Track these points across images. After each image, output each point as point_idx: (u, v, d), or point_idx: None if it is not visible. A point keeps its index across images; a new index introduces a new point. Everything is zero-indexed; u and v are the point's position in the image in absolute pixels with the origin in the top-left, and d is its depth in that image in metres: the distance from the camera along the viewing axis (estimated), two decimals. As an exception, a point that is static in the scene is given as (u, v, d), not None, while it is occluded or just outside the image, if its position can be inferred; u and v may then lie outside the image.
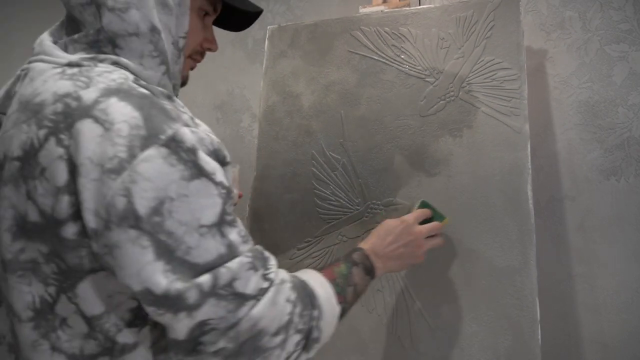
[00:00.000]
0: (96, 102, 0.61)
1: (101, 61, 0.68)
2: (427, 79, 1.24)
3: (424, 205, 1.08)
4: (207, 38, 0.84)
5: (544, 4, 1.34)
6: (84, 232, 0.60)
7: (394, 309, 1.19)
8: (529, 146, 1.12)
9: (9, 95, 0.72)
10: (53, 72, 0.67)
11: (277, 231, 1.34)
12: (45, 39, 0.73)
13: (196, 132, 0.63)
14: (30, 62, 0.72)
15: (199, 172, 0.61)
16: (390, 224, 0.99)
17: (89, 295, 0.63)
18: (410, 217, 1.01)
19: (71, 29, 0.73)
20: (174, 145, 0.60)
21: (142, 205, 0.58)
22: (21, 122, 0.64)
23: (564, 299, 1.31)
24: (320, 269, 0.83)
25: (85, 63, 0.67)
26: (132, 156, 0.58)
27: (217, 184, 0.63)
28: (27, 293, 0.63)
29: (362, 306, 1.22)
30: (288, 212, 1.34)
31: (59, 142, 0.60)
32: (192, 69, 0.86)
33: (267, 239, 1.34)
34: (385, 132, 1.26)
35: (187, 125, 0.63)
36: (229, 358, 0.64)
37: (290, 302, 0.68)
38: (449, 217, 1.12)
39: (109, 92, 0.62)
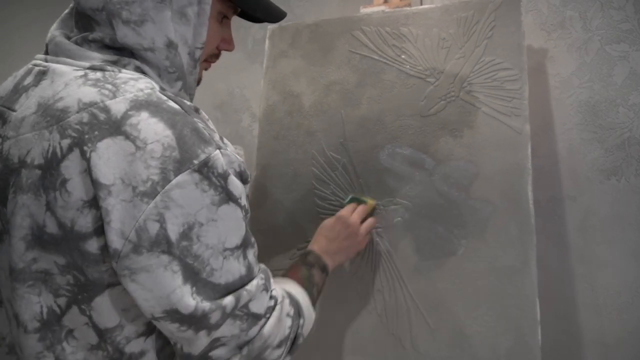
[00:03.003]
0: (126, 115, 0.59)
1: (124, 66, 0.67)
2: (427, 79, 1.24)
3: (351, 200, 1.22)
4: (225, 38, 0.83)
5: (544, 4, 1.34)
6: (106, 247, 0.60)
7: (394, 309, 1.20)
8: (529, 146, 1.12)
9: (17, 90, 0.69)
10: (75, 75, 0.65)
11: (277, 231, 1.34)
12: (58, 36, 0.71)
13: (227, 154, 0.64)
14: (47, 61, 0.69)
15: (228, 197, 0.62)
16: (329, 222, 1.07)
17: (104, 309, 0.64)
18: (343, 212, 1.10)
19: (82, 25, 0.71)
20: (206, 170, 0.60)
21: (174, 232, 0.59)
22: (42, 127, 0.62)
23: (565, 299, 1.31)
24: (285, 276, 0.89)
25: (108, 67, 0.66)
26: (166, 180, 0.58)
27: (242, 207, 0.65)
28: (35, 303, 0.63)
29: (361, 307, 1.23)
30: (288, 212, 1.34)
31: (84, 155, 0.58)
32: (206, 69, 0.86)
33: (267, 239, 1.34)
34: (386, 132, 1.26)
35: (218, 147, 0.63)
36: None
37: (290, 316, 0.73)
38: (375, 201, 1.23)
39: (139, 105, 0.60)
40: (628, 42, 1.25)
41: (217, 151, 0.62)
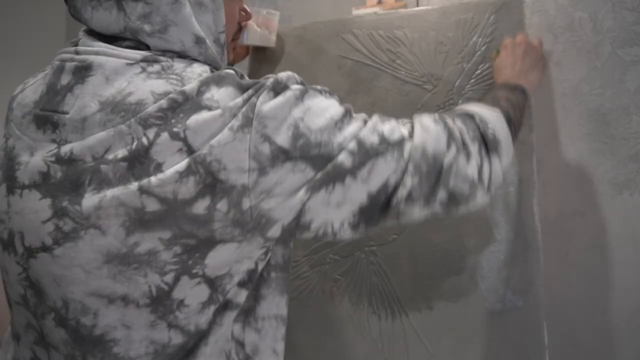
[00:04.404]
0: (200, 92, 0.65)
1: (172, 57, 0.72)
2: (424, 86, 1.23)
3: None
4: (241, 9, 0.88)
5: (551, 4, 1.32)
6: (212, 205, 0.64)
7: (390, 334, 1.18)
8: (534, 158, 1.11)
9: (56, 90, 0.70)
10: (134, 71, 0.68)
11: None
12: (89, 35, 0.74)
13: (285, 73, 0.70)
14: (78, 53, 0.71)
15: (304, 89, 0.69)
16: (500, 57, 1.08)
17: (217, 261, 0.68)
18: (505, 42, 1.10)
19: (111, 39, 0.74)
20: (277, 85, 0.67)
21: (284, 140, 0.65)
22: (117, 123, 0.64)
23: (574, 323, 1.29)
24: None
25: (161, 59, 0.70)
26: (252, 105, 0.64)
27: (319, 90, 0.71)
28: (143, 284, 0.66)
29: (355, 331, 1.21)
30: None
31: (175, 136, 0.63)
32: (234, 49, 0.92)
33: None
34: None
35: (275, 75, 0.70)
36: (427, 194, 0.72)
37: (437, 122, 0.76)
38: None
39: (206, 83, 0.66)
40: (642, 46, 1.25)
41: (277, 75, 0.69)
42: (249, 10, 0.90)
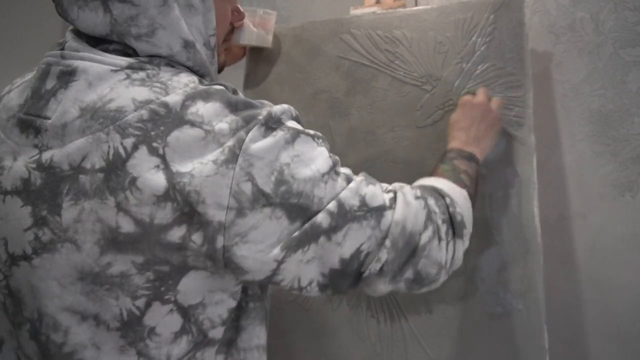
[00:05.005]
0: (184, 106, 0.64)
1: (157, 65, 0.70)
2: (423, 87, 1.22)
3: (469, 91, 1.14)
4: (233, 9, 0.86)
5: (552, 4, 1.31)
6: (188, 235, 0.63)
7: (389, 337, 1.17)
8: (534, 159, 1.10)
9: (41, 95, 0.69)
10: (118, 77, 0.67)
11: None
12: (76, 38, 0.73)
13: (280, 106, 0.69)
14: (64, 57, 0.70)
15: (297, 132, 0.67)
16: (456, 115, 1.05)
17: (190, 288, 0.67)
18: (464, 100, 1.07)
19: (97, 41, 0.73)
20: (271, 121, 0.66)
21: (267, 184, 0.63)
22: (96, 130, 0.63)
23: (575, 326, 1.28)
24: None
25: (147, 66, 0.69)
26: (240, 141, 0.62)
27: (313, 136, 0.70)
28: (114, 306, 0.65)
29: (353, 335, 1.20)
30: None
31: (153, 151, 0.61)
32: (226, 50, 0.91)
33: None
34: (378, 145, 1.24)
35: (270, 106, 0.69)
36: (395, 271, 0.72)
37: (419, 198, 0.76)
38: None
39: (192, 96, 0.65)
40: (644, 46, 1.24)
41: (272, 107, 0.68)
42: (242, 10, 0.89)
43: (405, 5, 1.36)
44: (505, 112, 1.12)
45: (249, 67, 1.41)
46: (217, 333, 0.71)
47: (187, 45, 0.71)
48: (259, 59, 1.40)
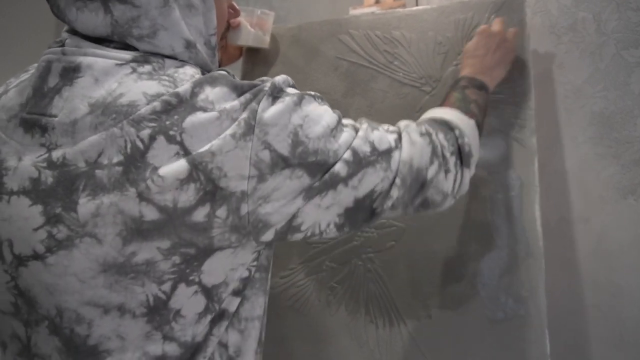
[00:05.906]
0: (194, 93, 0.65)
1: (162, 58, 0.72)
2: (423, 88, 1.22)
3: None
4: (230, 5, 0.89)
5: (554, 5, 1.31)
6: (212, 212, 0.65)
7: (388, 343, 1.18)
8: (536, 161, 1.10)
9: (44, 93, 0.69)
10: (124, 71, 0.68)
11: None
12: (76, 36, 0.72)
13: (280, 76, 0.72)
14: (65, 54, 0.70)
15: (301, 95, 0.71)
16: (472, 43, 1.09)
17: (213, 268, 0.69)
18: (481, 29, 1.10)
19: (99, 40, 0.73)
20: (276, 90, 0.69)
21: (284, 148, 0.66)
22: (109, 126, 0.64)
23: (577, 332, 1.27)
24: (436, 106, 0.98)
25: (152, 59, 0.70)
26: (253, 112, 0.65)
27: (313, 96, 0.73)
28: (140, 293, 0.67)
29: (352, 340, 1.20)
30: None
31: (171, 139, 0.63)
32: (222, 49, 0.93)
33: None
34: None
35: (271, 79, 0.72)
36: (406, 203, 0.79)
37: (424, 135, 0.81)
38: None
39: (199, 83, 0.66)
40: (647, 47, 1.24)
41: (273, 79, 0.71)
42: (237, 7, 0.91)
43: (405, 5, 1.36)
44: (506, 114, 1.12)
45: (246, 68, 1.41)
46: (233, 306, 0.74)
47: (189, 45, 0.73)
48: (256, 60, 1.40)
